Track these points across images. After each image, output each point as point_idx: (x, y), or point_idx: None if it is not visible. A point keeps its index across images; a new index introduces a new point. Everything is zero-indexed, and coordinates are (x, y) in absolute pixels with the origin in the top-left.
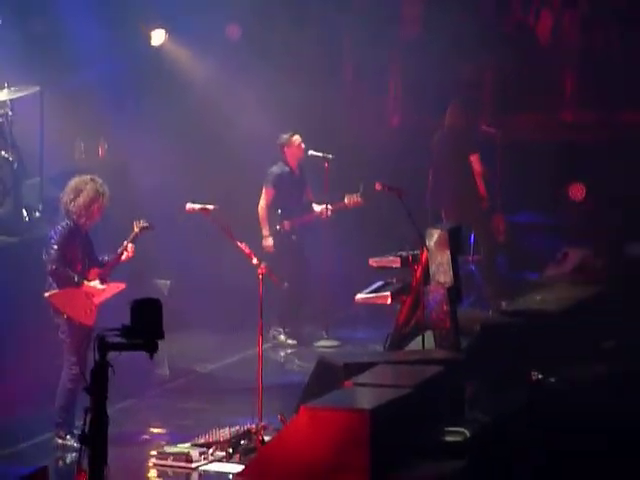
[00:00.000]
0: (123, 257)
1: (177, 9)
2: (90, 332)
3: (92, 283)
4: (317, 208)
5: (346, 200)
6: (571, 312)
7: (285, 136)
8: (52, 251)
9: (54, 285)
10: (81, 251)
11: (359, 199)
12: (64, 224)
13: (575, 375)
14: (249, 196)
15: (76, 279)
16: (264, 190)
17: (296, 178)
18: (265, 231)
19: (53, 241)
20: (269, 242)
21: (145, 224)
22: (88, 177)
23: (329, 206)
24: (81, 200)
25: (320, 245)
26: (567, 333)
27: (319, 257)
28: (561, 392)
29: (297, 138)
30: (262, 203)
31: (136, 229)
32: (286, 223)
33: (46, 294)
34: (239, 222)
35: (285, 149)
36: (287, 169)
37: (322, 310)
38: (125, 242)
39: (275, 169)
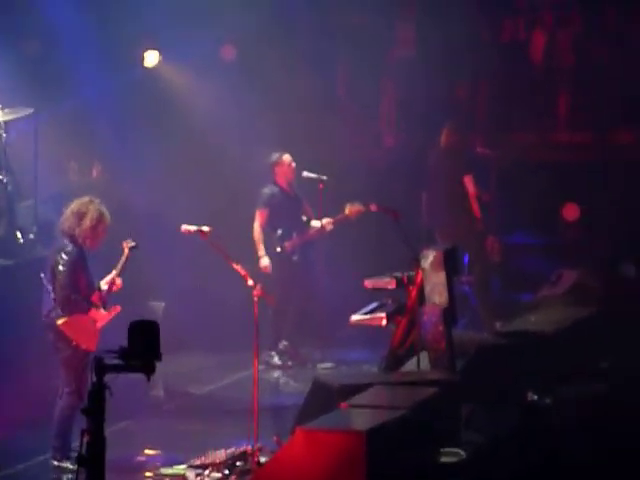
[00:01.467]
0: (113, 289)
1: (171, 30)
2: (90, 355)
3: (100, 310)
4: (316, 224)
5: (347, 210)
6: (566, 333)
7: (275, 155)
8: (62, 278)
9: (60, 311)
10: (86, 276)
11: (361, 207)
12: (70, 249)
13: (570, 395)
14: (244, 218)
15: (85, 305)
16: (257, 212)
17: (289, 197)
18: (260, 251)
19: (62, 268)
20: (265, 262)
21: (133, 243)
22: (87, 199)
23: (329, 219)
24: (87, 223)
25: (314, 266)
26: (562, 354)
27: (314, 278)
28: (556, 412)
29: (287, 157)
30: (255, 225)
31: (126, 250)
32: (287, 244)
33: (58, 322)
34: (234, 244)
35: (276, 168)
36: (277, 189)
37: (317, 331)
38: (116, 268)
39: (266, 190)
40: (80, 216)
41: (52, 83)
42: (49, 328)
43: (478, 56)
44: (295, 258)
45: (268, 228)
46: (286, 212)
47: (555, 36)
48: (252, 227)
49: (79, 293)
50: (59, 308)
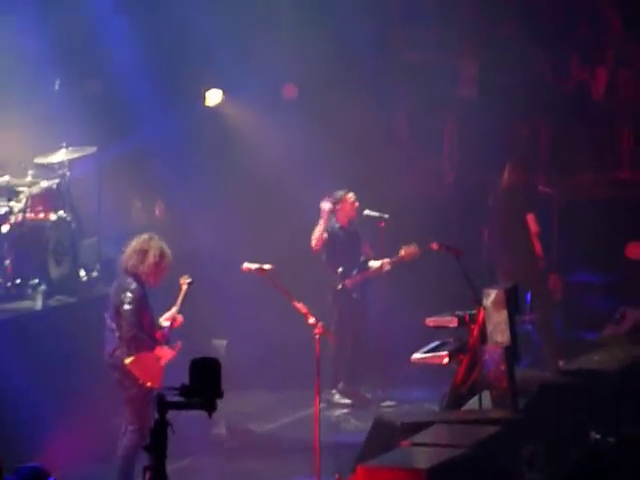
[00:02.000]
0: (176, 323)
1: (234, 68)
2: (153, 393)
3: (164, 347)
4: (375, 264)
5: (403, 252)
6: (630, 372)
7: (339, 193)
8: (129, 316)
9: (127, 350)
10: (150, 314)
11: (416, 249)
12: (134, 287)
13: (634, 435)
14: (306, 256)
15: (151, 343)
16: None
17: (349, 234)
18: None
19: (128, 306)
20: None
21: (189, 279)
22: (147, 235)
23: (387, 260)
24: (151, 260)
25: (375, 304)
26: (626, 393)
27: (375, 316)
28: (619, 452)
29: (351, 195)
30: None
31: (184, 286)
32: (348, 281)
33: (126, 361)
34: (296, 282)
35: (338, 206)
36: (338, 225)
37: (379, 370)
38: (176, 305)
39: (329, 225)
40: (143, 253)
41: (116, 121)
42: (114, 367)
43: (540, 94)
44: (354, 296)
45: (328, 265)
46: (347, 250)
47: (617, 74)
48: (311, 266)
49: (144, 331)
50: (125, 346)
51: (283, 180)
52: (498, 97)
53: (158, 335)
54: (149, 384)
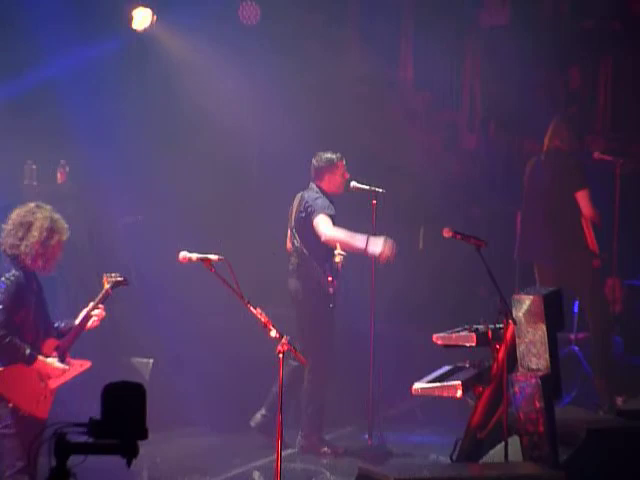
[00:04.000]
0: (89, 324)
1: None
2: (43, 427)
3: (49, 360)
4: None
5: (106, 285)
6: None
7: (328, 157)
8: None
9: None
10: (33, 313)
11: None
12: (10, 275)
13: None
14: (268, 244)
15: (27, 353)
16: (319, 218)
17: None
18: (360, 242)
19: None
20: (376, 245)
21: (119, 278)
22: (32, 204)
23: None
24: (36, 235)
25: (364, 314)
26: None
27: (362, 331)
28: None
29: (343, 164)
30: (326, 231)
31: (106, 285)
32: (331, 279)
33: None
34: (253, 280)
35: (326, 175)
36: (328, 200)
37: (366, 404)
38: (91, 303)
39: (321, 195)
40: (25, 228)
41: (6, 56)
42: None
43: (601, 26)
44: (331, 305)
45: (314, 258)
46: None
47: None
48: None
49: (20, 335)
50: None
51: (236, 137)
52: (539, 27)
53: (48, 345)
54: (26, 410)
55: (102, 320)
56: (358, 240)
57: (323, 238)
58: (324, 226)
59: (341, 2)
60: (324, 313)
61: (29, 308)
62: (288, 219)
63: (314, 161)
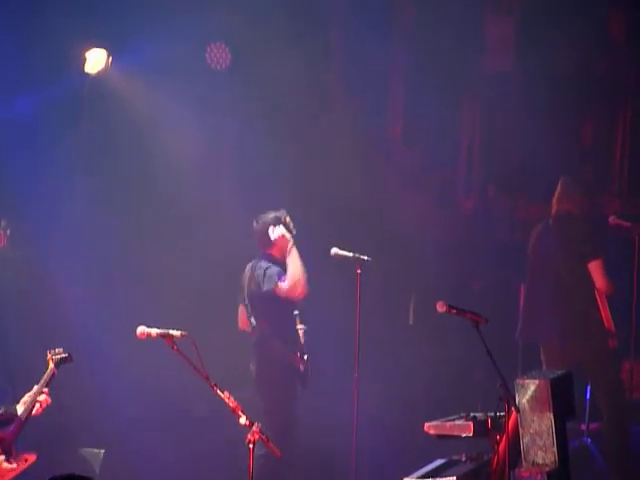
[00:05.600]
0: (34, 411)
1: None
2: None
3: None
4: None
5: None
6: None
7: (272, 216)
8: None
9: None
10: None
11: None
12: None
13: None
14: (230, 318)
15: None
16: (269, 292)
17: None
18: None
19: None
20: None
21: (63, 355)
22: None
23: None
24: None
25: (344, 397)
26: None
27: (342, 417)
28: None
29: (289, 220)
30: (283, 285)
31: (51, 364)
32: (299, 356)
33: None
34: (221, 360)
35: (276, 237)
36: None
37: None
38: (35, 386)
39: (271, 265)
40: None
41: None
42: None
43: (616, 70)
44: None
45: (276, 334)
46: (290, 307)
47: None
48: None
49: None
50: None
51: (202, 192)
52: (546, 71)
53: None
54: None
55: (47, 407)
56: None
57: (285, 292)
58: (281, 286)
59: (322, 44)
60: (289, 396)
61: None
62: (239, 293)
63: (255, 226)
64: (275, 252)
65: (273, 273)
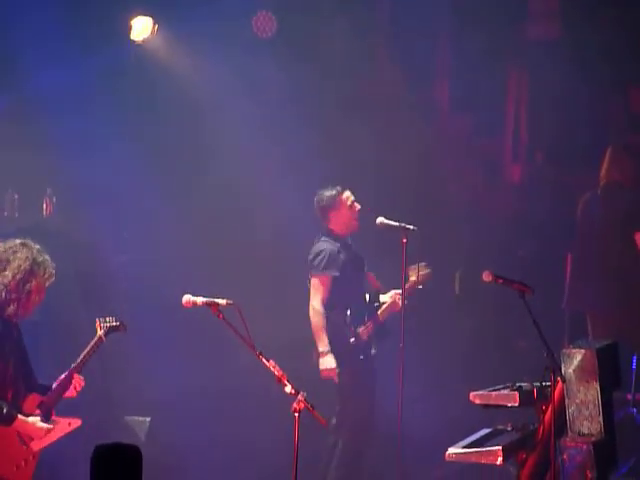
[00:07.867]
0: (67, 392)
1: None
2: None
3: (30, 419)
4: (386, 299)
5: (412, 277)
6: None
7: (329, 194)
8: None
9: None
10: (13, 365)
11: (428, 270)
12: None
13: None
14: (279, 291)
15: (5, 411)
16: (315, 282)
17: (354, 257)
18: (322, 346)
19: None
20: (329, 363)
21: (114, 323)
22: (16, 241)
23: (397, 291)
24: (9, 275)
25: (390, 368)
26: None
27: (389, 388)
28: None
29: (348, 195)
30: (315, 303)
31: (100, 331)
32: (362, 331)
33: None
34: (267, 329)
35: (330, 214)
36: (338, 245)
37: (397, 470)
38: (82, 354)
39: (326, 246)
40: (1, 266)
41: None
42: None
43: None
44: (361, 357)
45: (330, 306)
46: (350, 281)
47: None
48: (308, 306)
49: None
50: None
51: (243, 164)
52: (595, 41)
53: (30, 403)
54: (1, 474)
55: (81, 390)
56: (321, 343)
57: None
58: (313, 296)
59: (369, 10)
60: (355, 369)
61: (8, 360)
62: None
63: (315, 202)
64: (334, 227)
65: (319, 263)
